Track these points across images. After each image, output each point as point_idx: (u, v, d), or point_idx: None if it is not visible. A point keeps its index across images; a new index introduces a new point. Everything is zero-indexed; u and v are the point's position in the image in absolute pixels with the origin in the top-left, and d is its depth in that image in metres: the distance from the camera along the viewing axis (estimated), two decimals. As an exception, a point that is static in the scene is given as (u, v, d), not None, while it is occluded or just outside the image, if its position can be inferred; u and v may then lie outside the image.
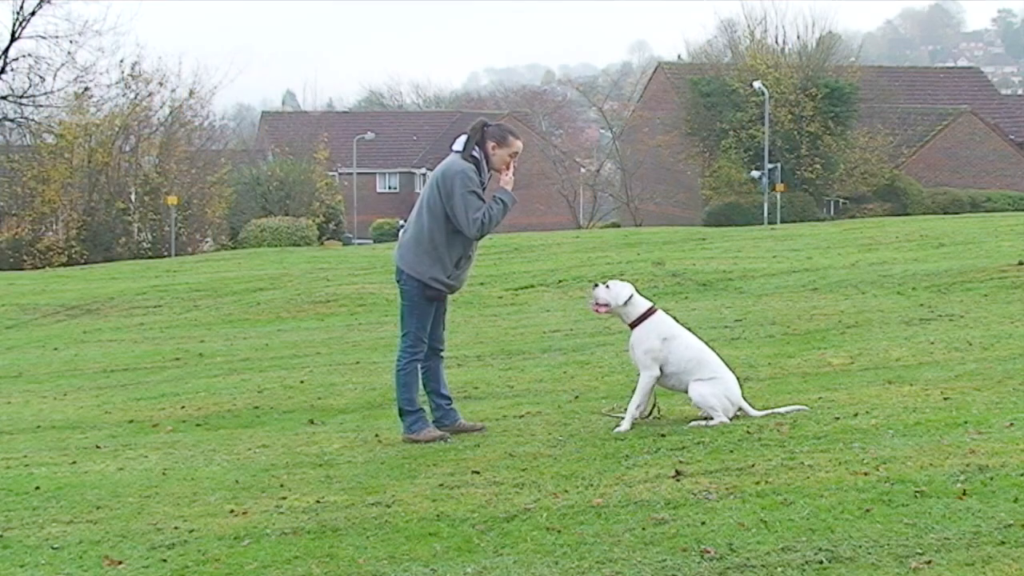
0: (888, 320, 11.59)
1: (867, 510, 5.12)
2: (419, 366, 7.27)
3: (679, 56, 63.25)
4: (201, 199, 42.07)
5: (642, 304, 7.30)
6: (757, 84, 46.06)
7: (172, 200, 39.47)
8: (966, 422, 6.62)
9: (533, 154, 63.17)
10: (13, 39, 39.42)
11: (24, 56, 39.68)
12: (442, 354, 7.45)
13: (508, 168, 7.22)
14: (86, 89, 40.98)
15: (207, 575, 4.93)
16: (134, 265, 30.90)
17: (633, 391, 7.26)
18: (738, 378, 7.30)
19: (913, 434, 6.42)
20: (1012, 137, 53.76)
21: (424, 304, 7.20)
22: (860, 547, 4.71)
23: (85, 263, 35.73)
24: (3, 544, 5.49)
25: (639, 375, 7.22)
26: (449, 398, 7.44)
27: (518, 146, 7.24)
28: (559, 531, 5.15)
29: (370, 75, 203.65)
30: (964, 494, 5.25)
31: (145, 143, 42.33)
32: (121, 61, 42.03)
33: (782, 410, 7.20)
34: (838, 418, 6.94)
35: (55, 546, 5.40)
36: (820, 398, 7.67)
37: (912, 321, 11.41)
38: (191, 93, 43.47)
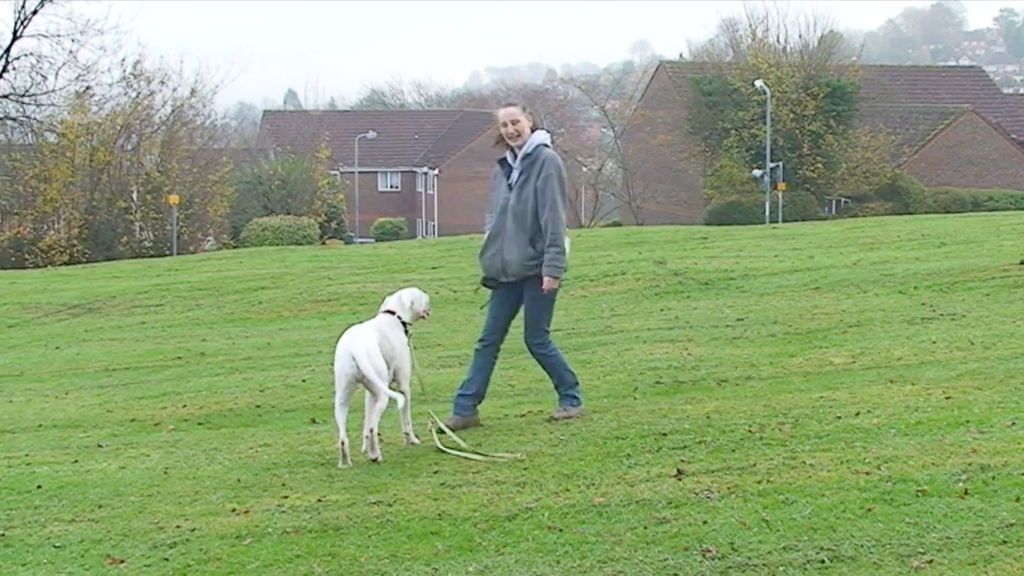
0: (890, 319, 11.58)
1: (869, 509, 5.12)
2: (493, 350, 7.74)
3: (681, 55, 63.24)
4: (203, 198, 42.02)
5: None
6: (759, 83, 45.99)
7: (174, 199, 39.44)
8: (968, 421, 6.62)
9: (534, 153, 63.14)
10: (15, 38, 39.41)
11: (26, 55, 39.66)
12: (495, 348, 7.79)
13: (506, 134, 7.43)
14: (88, 88, 40.95)
15: (209, 574, 4.93)
16: (136, 264, 30.89)
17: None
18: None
19: (915, 433, 6.42)
20: (1014, 136, 53.66)
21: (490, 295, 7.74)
22: (862, 546, 4.71)
23: (87, 262, 35.71)
24: (5, 543, 5.49)
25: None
26: (477, 397, 7.71)
27: (499, 115, 7.57)
28: (561, 530, 5.15)
29: (372, 74, 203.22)
30: (966, 493, 5.25)
31: (147, 142, 42.28)
32: (123, 60, 41.96)
33: None
34: (840, 417, 6.94)
35: (57, 545, 5.40)
36: (822, 397, 7.66)
37: (914, 320, 11.40)
38: (193, 92, 43.41)
